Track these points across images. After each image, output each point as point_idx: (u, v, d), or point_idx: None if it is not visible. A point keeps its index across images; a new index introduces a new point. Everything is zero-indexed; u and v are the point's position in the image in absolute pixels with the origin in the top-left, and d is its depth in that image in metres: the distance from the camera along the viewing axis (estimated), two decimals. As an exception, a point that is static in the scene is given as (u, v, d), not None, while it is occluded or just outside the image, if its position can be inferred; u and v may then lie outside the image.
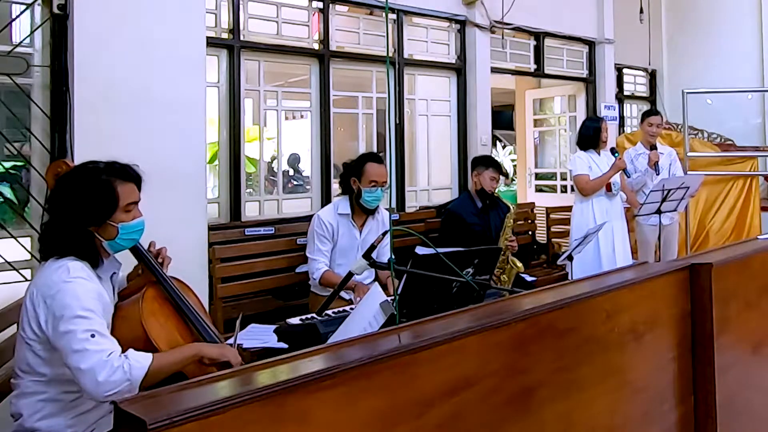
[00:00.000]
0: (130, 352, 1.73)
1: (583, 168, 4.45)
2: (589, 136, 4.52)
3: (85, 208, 1.83)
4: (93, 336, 1.69)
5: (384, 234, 2.77)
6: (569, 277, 4.35)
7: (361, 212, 3.42)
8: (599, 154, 4.51)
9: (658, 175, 4.77)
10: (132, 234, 1.92)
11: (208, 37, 3.74)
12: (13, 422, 1.83)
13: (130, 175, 1.92)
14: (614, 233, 4.37)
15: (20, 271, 3.14)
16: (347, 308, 2.84)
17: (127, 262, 2.10)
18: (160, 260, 2.12)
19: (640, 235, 5.05)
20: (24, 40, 3.26)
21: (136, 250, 2.05)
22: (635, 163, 4.95)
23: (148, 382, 1.71)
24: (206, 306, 2.97)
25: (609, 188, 4.42)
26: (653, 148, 4.88)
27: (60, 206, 1.87)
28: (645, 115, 5.14)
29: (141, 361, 1.71)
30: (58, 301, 1.72)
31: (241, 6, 4.24)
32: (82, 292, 1.74)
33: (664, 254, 5.00)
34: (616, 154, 4.43)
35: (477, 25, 5.38)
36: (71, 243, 1.82)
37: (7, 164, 3.68)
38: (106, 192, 1.86)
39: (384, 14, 5.00)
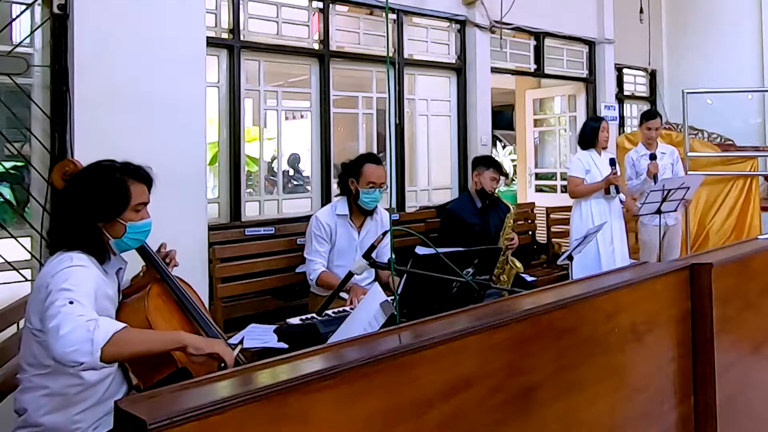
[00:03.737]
0: (103, 318, 1.66)
1: (579, 171, 4.45)
2: (586, 136, 4.53)
3: (97, 204, 1.87)
4: (71, 303, 1.64)
5: (384, 234, 2.77)
6: (570, 278, 4.36)
7: (360, 213, 3.41)
8: (600, 154, 4.51)
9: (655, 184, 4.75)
10: (138, 234, 1.95)
11: (208, 37, 3.74)
12: (18, 418, 1.84)
13: (143, 176, 1.97)
14: (612, 233, 4.37)
15: (20, 271, 3.14)
16: (347, 308, 2.84)
17: (132, 260, 2.11)
18: (167, 261, 2.15)
19: (643, 235, 5.04)
20: (24, 40, 3.26)
21: (141, 249, 2.09)
22: (636, 166, 4.94)
23: (117, 353, 1.63)
24: (206, 306, 2.97)
25: (608, 191, 4.41)
26: (653, 157, 4.82)
27: (72, 200, 1.90)
28: (643, 118, 5.07)
29: (109, 325, 1.63)
30: (53, 281, 1.72)
31: (241, 6, 4.24)
32: (76, 273, 1.75)
33: (666, 255, 4.99)
34: (614, 168, 4.37)
35: (477, 25, 5.38)
36: (79, 237, 1.84)
37: (7, 164, 3.68)
38: (119, 189, 1.90)
39: (384, 14, 5.00)
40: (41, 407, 1.81)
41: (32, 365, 1.82)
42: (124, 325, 1.67)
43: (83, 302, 1.66)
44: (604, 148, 4.56)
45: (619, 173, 4.44)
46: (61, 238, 1.86)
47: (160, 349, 1.74)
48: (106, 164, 1.95)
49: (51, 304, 1.66)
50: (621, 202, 4.62)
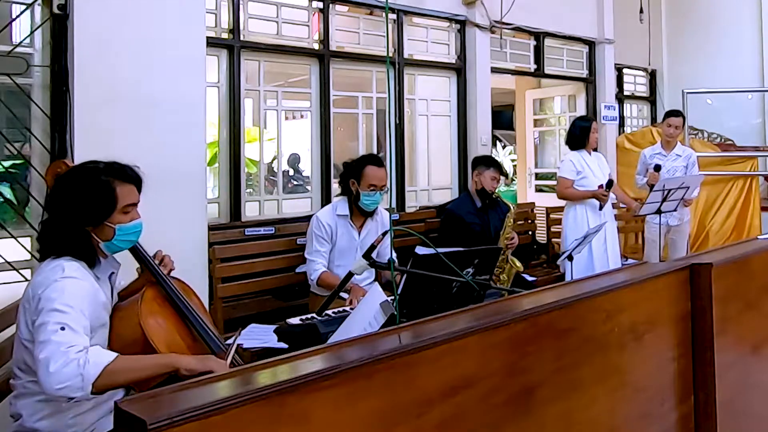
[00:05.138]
0: (93, 348, 1.64)
1: (569, 172, 4.41)
2: (576, 136, 4.46)
3: (82, 208, 1.82)
4: (63, 329, 1.61)
5: (384, 234, 2.76)
6: (565, 278, 4.35)
7: (360, 214, 3.41)
8: (590, 154, 4.48)
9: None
10: (129, 236, 1.90)
11: (208, 37, 3.74)
12: (13, 422, 1.83)
13: (129, 176, 1.90)
14: (606, 234, 4.35)
15: (20, 271, 3.14)
16: (347, 308, 2.84)
17: (126, 262, 2.09)
18: (162, 266, 2.09)
19: (648, 233, 5.06)
20: (24, 40, 3.26)
21: (135, 251, 2.05)
22: (648, 164, 4.95)
23: (108, 384, 1.62)
24: (206, 306, 2.96)
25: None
26: (657, 168, 4.80)
27: (58, 205, 1.86)
28: (666, 115, 5.11)
29: (99, 358, 1.61)
30: (44, 296, 1.69)
31: (241, 6, 4.24)
32: (69, 288, 1.71)
33: (670, 254, 4.99)
34: (607, 189, 4.29)
35: (477, 25, 5.38)
36: (68, 242, 1.81)
37: (7, 164, 3.68)
38: (104, 192, 1.84)
39: (384, 14, 5.00)
40: (36, 412, 1.78)
41: (24, 372, 1.80)
42: (115, 355, 1.65)
43: (75, 326, 1.64)
44: (594, 149, 4.54)
45: (608, 194, 4.34)
46: (50, 242, 1.82)
47: (152, 375, 1.71)
48: (90, 166, 1.88)
49: (42, 326, 1.62)
50: (612, 203, 4.60)
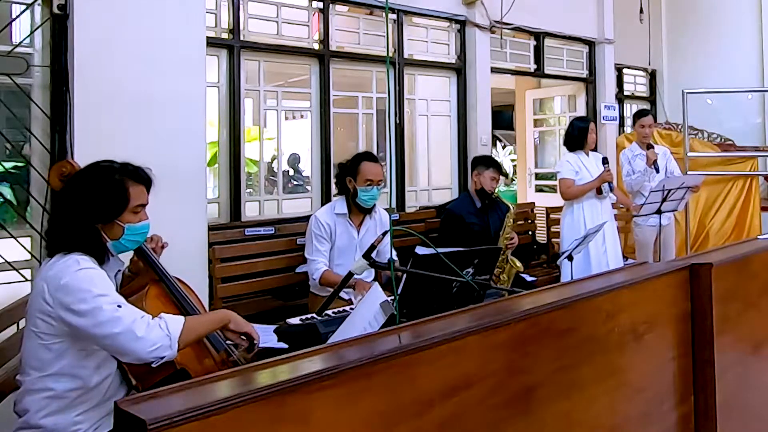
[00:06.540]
0: (163, 314, 1.80)
1: (569, 173, 4.40)
2: (575, 137, 4.45)
3: (95, 205, 1.87)
4: (119, 306, 1.73)
5: (384, 234, 2.77)
6: (561, 279, 4.35)
7: (359, 212, 3.42)
8: (588, 155, 4.48)
9: (657, 172, 4.75)
10: (136, 236, 1.95)
11: (208, 37, 3.74)
12: (18, 419, 1.84)
13: (142, 177, 1.96)
14: (605, 234, 4.34)
15: (20, 271, 3.14)
16: (347, 308, 2.84)
17: (127, 261, 2.10)
18: (152, 246, 2.14)
19: (638, 235, 5.04)
20: (24, 40, 3.26)
21: (140, 251, 2.08)
22: (632, 164, 4.94)
23: (189, 338, 1.80)
24: (206, 306, 2.97)
25: (599, 191, 4.38)
26: (650, 147, 4.84)
27: (70, 201, 1.89)
28: (636, 117, 5.10)
29: (175, 318, 1.79)
30: (72, 288, 1.73)
31: (241, 6, 4.24)
32: (95, 276, 1.78)
33: (662, 255, 4.99)
34: (606, 165, 4.34)
35: (477, 25, 5.38)
36: (78, 239, 1.84)
37: (8, 164, 3.68)
38: (118, 191, 1.89)
39: (384, 14, 5.00)
40: (42, 409, 1.80)
41: (34, 368, 1.81)
42: (182, 317, 1.82)
43: (125, 303, 1.77)
44: (593, 150, 4.53)
45: (611, 171, 4.40)
46: (60, 239, 1.85)
47: (215, 329, 1.97)
48: (105, 165, 1.94)
49: (95, 309, 1.71)
50: (611, 203, 4.60)
